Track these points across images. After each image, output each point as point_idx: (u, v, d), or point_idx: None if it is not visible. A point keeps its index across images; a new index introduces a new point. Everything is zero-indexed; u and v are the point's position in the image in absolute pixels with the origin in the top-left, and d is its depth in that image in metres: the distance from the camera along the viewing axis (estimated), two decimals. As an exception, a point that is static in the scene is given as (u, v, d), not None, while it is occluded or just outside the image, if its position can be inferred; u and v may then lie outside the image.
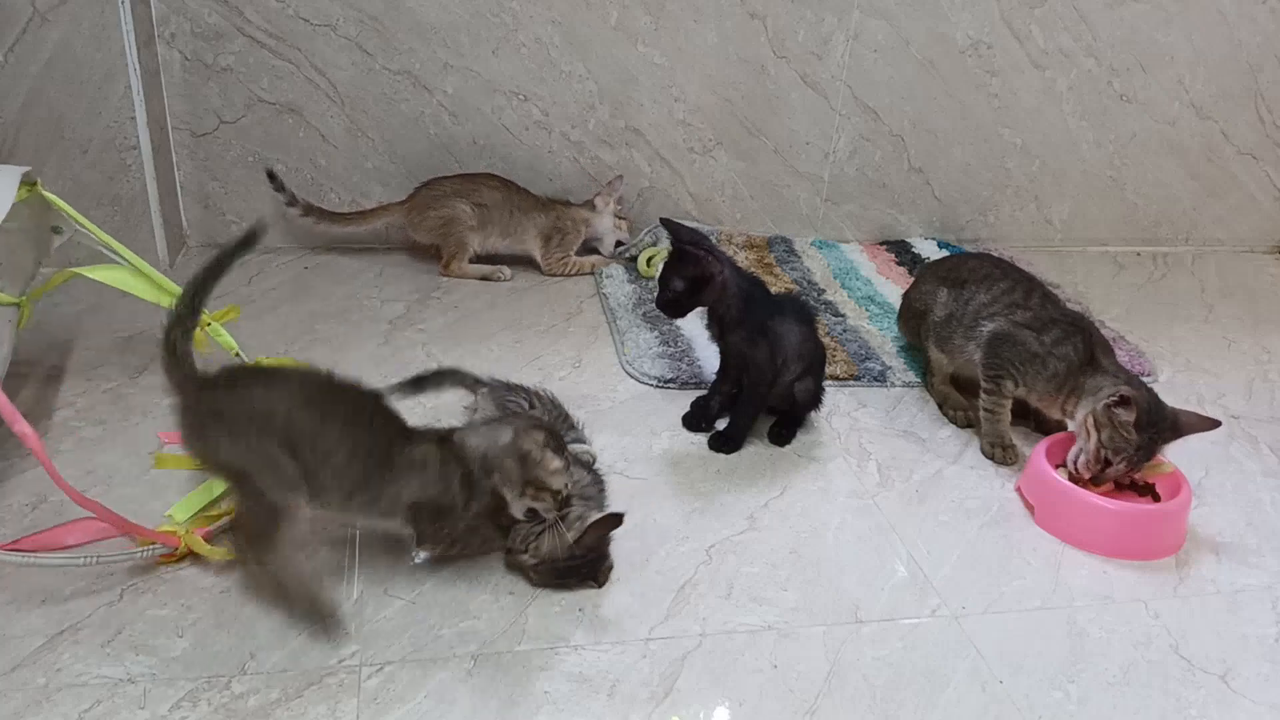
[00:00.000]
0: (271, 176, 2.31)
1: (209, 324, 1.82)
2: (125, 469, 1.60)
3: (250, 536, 1.29)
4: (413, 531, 1.38)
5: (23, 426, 1.29)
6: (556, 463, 1.35)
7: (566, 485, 1.39)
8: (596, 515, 1.42)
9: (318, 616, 1.30)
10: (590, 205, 2.51)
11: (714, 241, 2.55)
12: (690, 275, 1.72)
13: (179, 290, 1.77)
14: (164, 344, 1.28)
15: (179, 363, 1.29)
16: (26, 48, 2.07)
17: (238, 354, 1.81)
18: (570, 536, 1.39)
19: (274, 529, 1.27)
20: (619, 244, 2.57)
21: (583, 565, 1.42)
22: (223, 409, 1.28)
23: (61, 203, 1.75)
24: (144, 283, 1.74)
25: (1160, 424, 1.64)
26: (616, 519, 1.41)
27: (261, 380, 1.33)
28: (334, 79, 2.35)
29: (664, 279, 1.76)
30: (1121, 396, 1.64)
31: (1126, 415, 1.63)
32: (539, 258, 2.47)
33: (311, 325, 2.13)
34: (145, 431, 1.70)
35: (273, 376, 1.35)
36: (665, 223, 1.83)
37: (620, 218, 2.54)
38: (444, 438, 1.38)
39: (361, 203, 2.48)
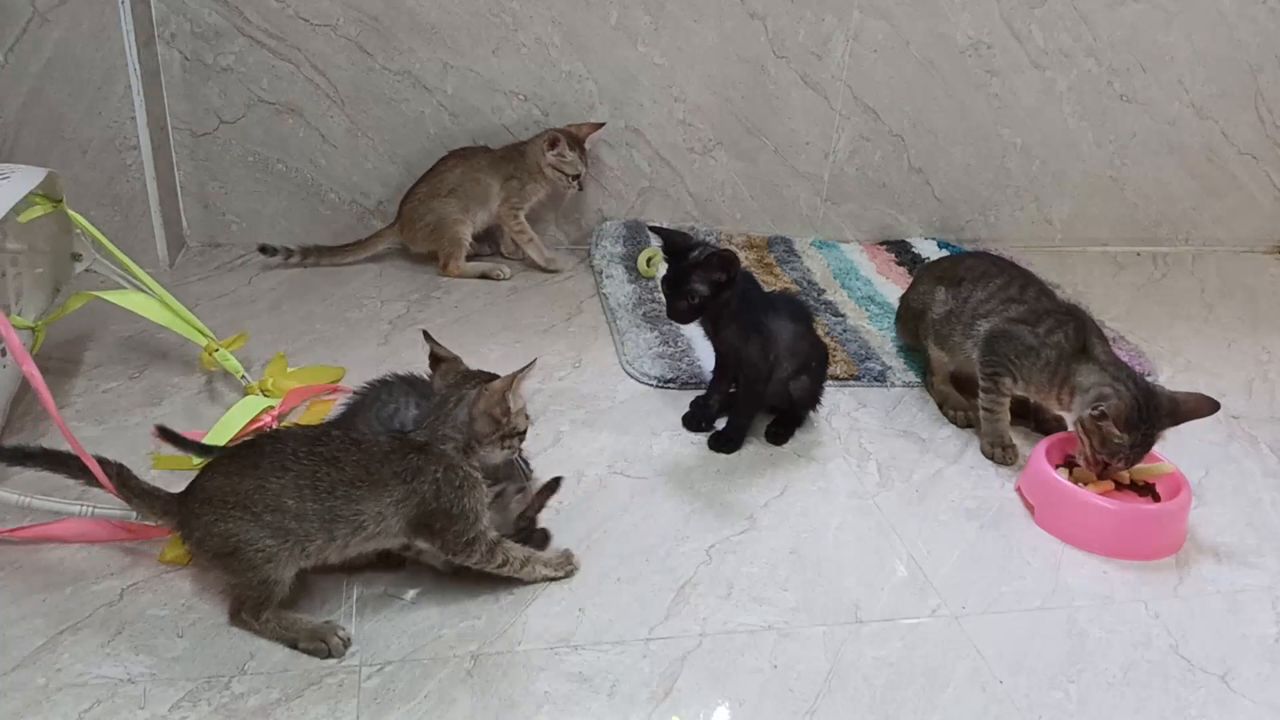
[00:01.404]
0: (264, 249, 2.32)
1: (216, 349, 1.82)
2: (125, 469, 1.60)
3: (244, 604, 1.29)
4: (433, 546, 1.34)
5: (30, 367, 1.32)
6: (522, 399, 1.35)
7: (526, 417, 1.38)
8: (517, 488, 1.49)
9: (321, 642, 1.29)
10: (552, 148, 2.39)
11: (713, 239, 2.56)
12: (716, 279, 1.68)
13: (194, 319, 1.81)
14: (122, 490, 1.33)
15: (149, 496, 1.33)
16: (26, 48, 2.07)
17: (244, 377, 1.81)
18: (514, 509, 1.47)
19: (267, 597, 1.28)
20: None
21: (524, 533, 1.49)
22: (192, 509, 1.29)
23: (85, 223, 1.77)
24: (163, 310, 1.79)
25: (1153, 416, 1.63)
26: (556, 483, 1.54)
27: (211, 471, 1.31)
28: (334, 79, 2.36)
29: (681, 286, 1.69)
30: (1100, 411, 1.63)
31: (1109, 425, 1.63)
32: (495, 206, 2.43)
33: (311, 325, 2.13)
34: (144, 432, 1.69)
35: (217, 461, 1.33)
36: (655, 230, 1.81)
37: (568, 172, 2.41)
38: (411, 443, 1.32)
39: (361, 202, 2.49)
